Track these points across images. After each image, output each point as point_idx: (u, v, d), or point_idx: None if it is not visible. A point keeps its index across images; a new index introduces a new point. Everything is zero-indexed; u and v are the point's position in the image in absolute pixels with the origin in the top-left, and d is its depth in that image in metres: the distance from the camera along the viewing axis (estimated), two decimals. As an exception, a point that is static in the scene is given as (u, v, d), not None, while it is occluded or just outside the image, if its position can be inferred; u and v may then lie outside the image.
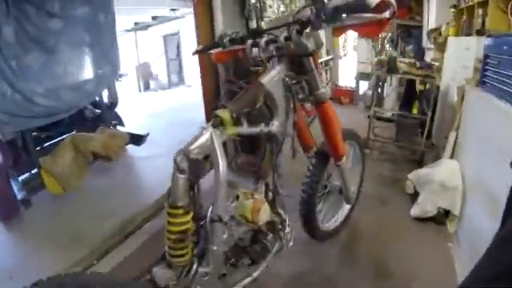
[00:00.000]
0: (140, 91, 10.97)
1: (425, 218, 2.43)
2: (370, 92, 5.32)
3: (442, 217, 2.38)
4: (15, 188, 2.90)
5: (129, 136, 3.85)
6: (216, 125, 1.23)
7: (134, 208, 2.71)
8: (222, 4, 3.28)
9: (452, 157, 2.64)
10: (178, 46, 10.58)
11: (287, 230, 1.59)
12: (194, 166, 1.18)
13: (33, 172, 3.23)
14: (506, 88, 1.80)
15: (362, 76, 5.88)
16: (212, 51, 1.76)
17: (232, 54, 1.70)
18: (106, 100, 4.18)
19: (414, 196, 2.62)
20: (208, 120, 3.35)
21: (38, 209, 3.02)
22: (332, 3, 1.29)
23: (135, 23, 9.56)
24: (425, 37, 4.65)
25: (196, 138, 1.21)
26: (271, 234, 1.53)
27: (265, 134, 1.39)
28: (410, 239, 2.29)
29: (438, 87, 3.52)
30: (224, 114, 1.23)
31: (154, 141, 4.34)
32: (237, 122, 1.28)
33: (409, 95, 4.00)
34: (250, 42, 1.53)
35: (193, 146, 1.18)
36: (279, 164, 1.50)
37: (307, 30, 1.40)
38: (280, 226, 1.57)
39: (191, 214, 1.23)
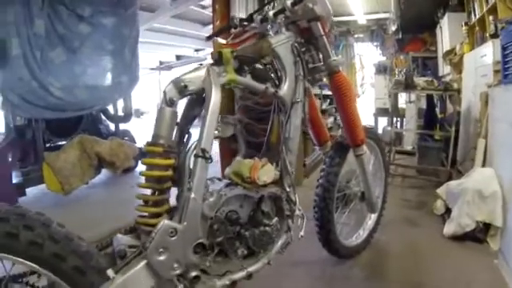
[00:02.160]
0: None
1: (461, 235, 2.10)
2: (388, 128, 5.22)
3: (481, 233, 2.06)
4: (14, 175, 2.94)
5: (138, 150, 3.76)
6: (215, 61, 1.13)
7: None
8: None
9: (484, 165, 2.42)
10: None
11: (297, 212, 1.35)
12: (184, 109, 1.08)
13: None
14: None
15: (380, 112, 5.81)
16: (223, 41, 1.71)
17: (242, 42, 1.61)
18: (120, 113, 4.23)
19: (446, 214, 2.35)
20: (220, 140, 3.31)
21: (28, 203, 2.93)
22: None
23: (160, 62, 10.05)
24: (440, 66, 4.66)
25: (191, 71, 1.10)
26: (276, 218, 1.29)
27: (271, 94, 1.27)
28: (448, 260, 1.93)
29: (458, 113, 3.38)
30: (225, 50, 1.13)
31: None
32: (238, 71, 1.18)
33: (429, 121, 3.85)
34: (259, 17, 1.49)
35: (186, 77, 1.07)
36: (289, 136, 1.34)
37: None
38: (288, 211, 1.34)
39: (173, 161, 1.05)
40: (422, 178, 3.45)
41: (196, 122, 1.18)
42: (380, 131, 5.71)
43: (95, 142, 3.20)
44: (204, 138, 1.03)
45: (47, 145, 3.53)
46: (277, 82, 1.32)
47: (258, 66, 1.27)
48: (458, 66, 3.77)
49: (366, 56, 7.55)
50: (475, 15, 3.51)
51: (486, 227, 2.06)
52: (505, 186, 2.02)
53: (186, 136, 1.14)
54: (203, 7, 4.60)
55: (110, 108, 4.07)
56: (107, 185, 3.62)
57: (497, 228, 2.00)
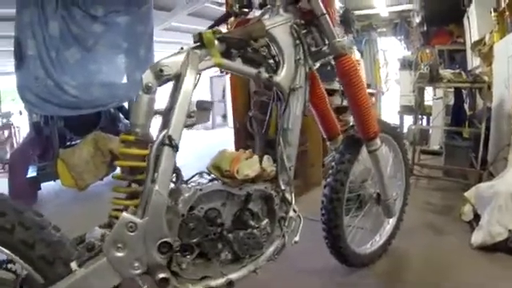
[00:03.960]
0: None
1: (491, 245, 1.87)
2: (413, 127, 5.00)
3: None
4: (30, 170, 3.15)
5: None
6: (196, 43, 1.04)
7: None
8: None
9: (519, 165, 2.20)
10: (224, 89, 10.83)
11: (291, 214, 1.22)
12: (161, 82, 1.00)
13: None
14: None
15: (405, 109, 5.53)
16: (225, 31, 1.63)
17: (241, 23, 1.50)
18: None
19: (474, 221, 2.14)
20: (236, 135, 3.23)
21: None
22: None
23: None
24: (469, 58, 4.37)
25: (171, 55, 1.02)
26: (267, 220, 1.18)
27: (265, 80, 1.16)
28: (475, 274, 1.70)
29: (489, 109, 3.13)
30: (206, 31, 1.03)
31: (184, 165, 4.20)
32: (226, 54, 1.08)
33: (457, 118, 3.60)
34: (258, 1, 1.41)
35: (164, 61, 0.99)
36: (287, 127, 1.23)
37: None
38: (282, 212, 1.22)
39: (148, 151, 0.97)
40: (449, 179, 3.21)
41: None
42: (405, 130, 5.51)
43: (109, 139, 3.17)
44: (172, 125, 0.95)
45: (68, 143, 3.62)
46: (274, 68, 1.21)
47: (252, 48, 1.15)
48: (487, 58, 3.49)
49: (390, 51, 7.27)
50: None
51: None
52: None
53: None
54: (220, 4, 4.56)
55: (127, 106, 4.11)
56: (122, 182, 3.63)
57: None
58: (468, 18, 4.35)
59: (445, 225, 2.33)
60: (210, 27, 1.66)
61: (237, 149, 3.13)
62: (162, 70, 0.97)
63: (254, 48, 1.14)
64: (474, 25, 4.04)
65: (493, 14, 3.38)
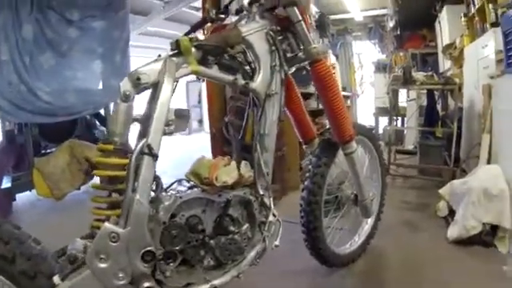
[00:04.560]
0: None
1: (466, 239, 1.94)
2: (388, 128, 5.13)
3: (488, 235, 1.92)
4: (4, 181, 2.98)
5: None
6: (173, 50, 1.04)
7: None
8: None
9: (489, 162, 2.31)
10: (200, 94, 10.78)
11: (271, 219, 1.23)
12: (139, 91, 0.99)
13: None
14: None
15: (380, 111, 5.68)
16: (202, 37, 1.61)
17: (216, 29, 1.51)
18: None
19: (449, 216, 2.22)
20: (212, 141, 3.22)
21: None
22: None
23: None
24: (441, 61, 4.54)
25: (148, 63, 1.02)
26: (247, 224, 1.18)
27: (241, 87, 1.17)
28: (452, 268, 1.75)
29: (460, 109, 3.26)
30: (183, 40, 1.03)
31: (164, 171, 4.12)
32: (203, 61, 1.08)
33: (430, 119, 3.73)
34: (235, 8, 1.43)
35: (142, 69, 0.99)
36: (264, 133, 1.24)
37: None
38: (262, 217, 1.23)
39: (127, 161, 0.96)
40: (424, 178, 3.32)
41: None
42: (380, 131, 5.65)
43: (85, 147, 3.11)
44: (151, 134, 0.95)
45: (42, 151, 3.50)
46: (250, 74, 1.21)
47: (228, 55, 1.16)
48: (458, 60, 3.66)
49: (365, 54, 7.44)
50: (474, 5, 3.41)
51: (494, 229, 1.91)
52: None
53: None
54: (196, 9, 4.55)
55: (103, 113, 3.97)
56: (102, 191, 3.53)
57: (505, 230, 1.86)
58: (439, 22, 4.53)
59: (421, 221, 2.40)
60: (187, 33, 1.65)
61: (213, 154, 3.19)
62: (139, 78, 0.97)
63: (231, 55, 1.14)
64: (446, 29, 4.21)
65: (463, 19, 3.54)
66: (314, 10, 5.68)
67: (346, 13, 5.74)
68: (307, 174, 1.58)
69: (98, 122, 4.02)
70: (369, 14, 5.92)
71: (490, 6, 2.90)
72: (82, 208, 2.97)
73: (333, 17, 5.90)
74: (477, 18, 3.31)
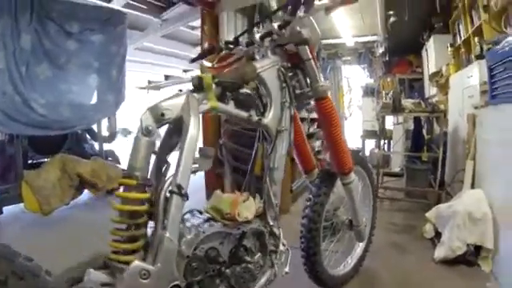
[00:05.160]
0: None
1: (452, 259, 2.05)
2: (376, 150, 5.25)
3: (472, 255, 2.02)
4: None
5: (123, 172, 3.61)
6: (195, 87, 1.07)
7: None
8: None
9: (473, 187, 2.41)
10: None
11: (281, 248, 1.29)
12: (162, 139, 1.03)
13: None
14: None
15: (367, 134, 5.82)
16: (208, 64, 1.65)
17: (227, 66, 1.55)
18: (105, 133, 4.11)
19: (436, 238, 2.32)
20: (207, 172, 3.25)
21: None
22: None
23: (148, 81, 10.04)
24: (427, 87, 4.73)
25: (170, 98, 1.04)
26: (259, 254, 1.23)
27: (254, 123, 1.22)
28: (441, 285, 1.87)
29: (445, 133, 3.40)
30: (206, 75, 1.07)
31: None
32: (221, 97, 1.13)
33: (417, 143, 3.87)
34: (245, 40, 1.46)
35: (163, 104, 1.01)
36: (273, 167, 1.28)
37: (301, 14, 1.34)
38: (272, 246, 1.28)
39: (148, 195, 0.98)
40: (411, 200, 3.42)
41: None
42: (367, 153, 5.77)
43: (77, 162, 3.10)
44: (180, 174, 0.96)
45: (30, 161, 3.44)
46: (261, 109, 1.27)
47: (242, 91, 1.22)
48: (444, 88, 3.82)
49: (354, 78, 7.60)
50: (460, 37, 3.59)
51: (477, 249, 2.02)
52: (495, 208, 2.01)
53: (165, 166, 1.08)
54: (192, 28, 4.63)
55: (95, 127, 3.97)
56: (88, 206, 3.46)
57: (488, 250, 1.97)
58: (426, 50, 4.73)
59: (409, 243, 2.47)
60: (194, 60, 1.71)
61: (206, 175, 3.19)
62: (163, 114, 0.99)
63: (245, 90, 1.20)
64: (432, 57, 4.40)
65: (449, 49, 3.73)
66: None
67: (338, 38, 5.94)
68: (308, 203, 1.64)
69: (88, 136, 4.00)
70: (360, 40, 6.08)
71: (476, 39, 3.06)
72: (67, 223, 2.95)
73: (325, 41, 6.07)
74: (463, 50, 3.48)
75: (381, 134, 3.78)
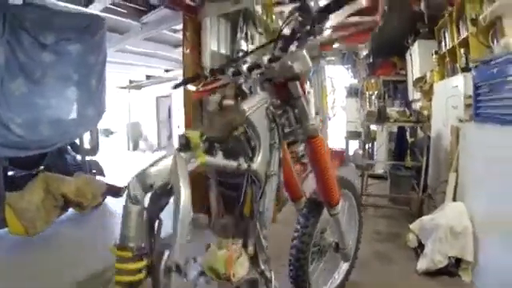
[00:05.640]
0: (129, 150, 10.79)
1: (434, 271, 2.14)
2: (360, 151, 5.32)
3: (453, 267, 2.12)
4: None
5: (106, 186, 3.58)
6: (182, 146, 1.02)
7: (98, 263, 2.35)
8: (211, 59, 3.36)
9: (455, 199, 2.48)
10: (170, 110, 10.61)
11: None
12: (152, 195, 0.97)
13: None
14: (503, 111, 1.78)
15: (351, 135, 5.89)
16: (192, 88, 1.63)
17: (212, 89, 1.54)
18: (87, 145, 3.99)
19: (419, 248, 2.39)
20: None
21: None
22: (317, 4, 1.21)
23: (130, 81, 9.82)
24: (410, 90, 4.78)
25: (156, 161, 0.99)
26: None
27: (244, 170, 1.18)
28: None
29: (429, 137, 3.48)
30: (192, 134, 1.02)
31: None
32: (209, 150, 1.08)
33: (400, 147, 3.96)
34: (231, 70, 1.41)
35: (151, 170, 0.96)
36: (263, 211, 1.27)
37: (293, 49, 1.28)
38: None
39: (146, 262, 0.95)
40: (395, 207, 3.52)
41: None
42: (351, 153, 5.85)
43: (61, 182, 3.00)
44: (177, 250, 0.92)
45: (10, 173, 3.27)
46: (250, 153, 1.23)
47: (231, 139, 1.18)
48: (428, 94, 3.87)
49: (337, 79, 7.62)
50: (446, 45, 3.58)
51: (458, 261, 2.12)
52: (476, 221, 2.09)
53: (157, 222, 1.03)
54: (174, 31, 4.51)
55: (77, 140, 3.82)
56: (73, 222, 3.38)
57: (468, 262, 2.06)
58: (411, 54, 4.74)
59: (392, 253, 2.55)
60: (177, 86, 1.66)
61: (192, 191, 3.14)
62: (151, 185, 0.96)
63: (233, 137, 1.16)
64: (417, 63, 4.40)
65: (434, 56, 3.74)
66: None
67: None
68: (296, 234, 1.65)
69: (69, 148, 3.86)
70: (343, 40, 6.11)
71: (462, 50, 3.06)
72: (55, 242, 2.89)
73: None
74: (448, 59, 3.48)
75: (366, 139, 3.82)
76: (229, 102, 1.33)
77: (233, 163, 1.15)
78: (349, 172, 5.35)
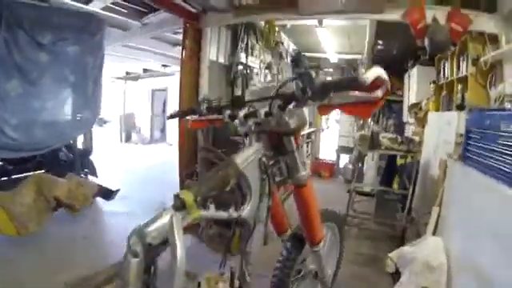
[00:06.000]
0: (121, 141, 10.69)
1: None
2: (350, 166, 5.37)
3: None
4: None
5: (98, 188, 3.60)
6: (177, 208, 1.06)
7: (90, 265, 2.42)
8: (209, 69, 3.37)
9: (435, 233, 2.54)
10: (165, 103, 10.59)
11: None
12: (149, 250, 1.01)
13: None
14: (489, 162, 1.79)
15: (342, 150, 5.96)
16: (188, 117, 1.67)
17: (209, 122, 1.61)
18: (79, 146, 3.99)
19: (396, 275, 2.43)
20: (182, 184, 3.30)
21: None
22: (320, 78, 1.24)
23: (126, 72, 9.76)
24: (405, 111, 4.82)
25: (154, 220, 1.05)
26: None
27: (234, 219, 1.23)
28: None
29: (418, 161, 3.52)
30: (187, 195, 1.06)
31: (125, 196, 4.15)
32: (202, 205, 1.13)
33: (389, 169, 4.02)
34: (227, 112, 1.43)
35: (150, 229, 1.02)
36: (249, 251, 1.34)
37: (290, 106, 1.28)
38: None
39: None
40: (379, 229, 3.59)
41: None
42: (341, 166, 5.92)
43: (53, 184, 3.01)
44: None
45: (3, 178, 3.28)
46: (240, 201, 1.27)
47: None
48: (421, 121, 3.90)
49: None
50: (444, 76, 3.59)
51: None
52: (451, 259, 2.14)
53: (153, 268, 1.06)
54: (175, 32, 4.50)
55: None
56: (62, 220, 3.35)
57: None
58: (409, 77, 4.76)
59: (371, 277, 2.66)
60: (171, 117, 1.67)
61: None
62: (150, 244, 1.01)
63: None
64: (414, 88, 4.43)
65: (431, 85, 3.76)
66: (291, 47, 5.90)
67: (322, 53, 5.96)
68: (278, 264, 1.69)
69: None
70: (343, 57, 6.18)
71: (459, 86, 3.09)
72: (45, 241, 2.95)
73: (309, 54, 6.12)
74: (445, 91, 3.51)
75: (356, 160, 3.88)
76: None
77: (224, 213, 1.19)
78: (338, 186, 5.47)
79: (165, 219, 1.04)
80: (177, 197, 1.07)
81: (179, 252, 0.99)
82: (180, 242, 1.00)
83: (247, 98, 1.52)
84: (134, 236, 1.00)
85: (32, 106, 2.96)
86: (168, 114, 1.72)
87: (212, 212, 1.16)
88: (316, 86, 1.15)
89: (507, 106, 2.36)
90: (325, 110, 1.40)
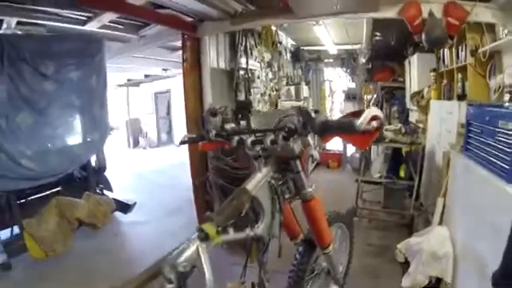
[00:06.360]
0: (129, 147, 10.81)
1: None
2: (357, 155, 5.38)
3: (434, 284, 2.31)
4: None
5: (115, 204, 3.78)
6: (202, 239, 1.20)
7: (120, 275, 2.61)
8: (211, 75, 3.40)
9: (441, 223, 2.61)
10: (169, 105, 10.68)
11: None
12: (180, 275, 1.14)
13: (15, 234, 3.11)
14: (488, 156, 1.83)
15: (348, 139, 5.93)
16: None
17: (219, 144, 1.67)
18: (93, 164, 4.11)
19: (406, 264, 2.54)
20: (195, 191, 3.44)
21: (19, 273, 2.87)
22: (319, 118, 1.34)
23: (128, 79, 9.81)
24: (408, 98, 4.81)
25: (183, 250, 1.18)
26: None
27: (251, 237, 1.37)
28: None
29: (423, 148, 3.59)
30: (209, 229, 1.20)
31: (140, 205, 4.29)
32: (222, 230, 1.26)
33: (395, 159, 4.06)
34: (236, 138, 1.54)
35: (180, 259, 1.15)
36: (266, 261, 1.48)
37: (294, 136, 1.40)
38: None
39: None
40: (388, 220, 3.70)
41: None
42: (348, 154, 5.97)
43: (73, 207, 3.19)
44: None
45: (20, 201, 3.30)
46: (254, 220, 1.41)
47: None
48: (424, 109, 3.92)
49: (336, 81, 7.69)
50: (444, 64, 3.55)
51: (438, 280, 2.29)
52: (457, 248, 2.22)
53: None
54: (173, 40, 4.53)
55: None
56: (84, 233, 3.52)
57: (447, 283, 2.22)
58: (410, 62, 4.69)
59: (381, 267, 2.76)
60: (182, 143, 1.76)
61: (196, 203, 3.32)
62: (180, 269, 1.13)
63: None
64: (415, 76, 4.38)
65: (432, 73, 3.73)
66: (290, 42, 5.91)
67: (321, 45, 5.98)
68: (293, 268, 1.81)
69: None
70: (342, 47, 6.16)
71: (459, 75, 3.07)
72: (73, 256, 3.05)
73: (308, 47, 6.14)
74: (445, 80, 3.48)
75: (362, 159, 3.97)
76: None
77: (242, 234, 1.34)
78: (346, 175, 5.60)
79: (191, 250, 1.17)
80: (201, 230, 1.20)
81: (207, 276, 1.15)
82: (208, 269, 1.16)
83: (253, 125, 1.69)
84: (166, 266, 1.13)
85: (44, 135, 3.05)
86: (178, 141, 1.80)
87: (231, 235, 1.30)
88: (316, 125, 1.31)
89: (506, 98, 2.38)
90: (326, 138, 1.54)
